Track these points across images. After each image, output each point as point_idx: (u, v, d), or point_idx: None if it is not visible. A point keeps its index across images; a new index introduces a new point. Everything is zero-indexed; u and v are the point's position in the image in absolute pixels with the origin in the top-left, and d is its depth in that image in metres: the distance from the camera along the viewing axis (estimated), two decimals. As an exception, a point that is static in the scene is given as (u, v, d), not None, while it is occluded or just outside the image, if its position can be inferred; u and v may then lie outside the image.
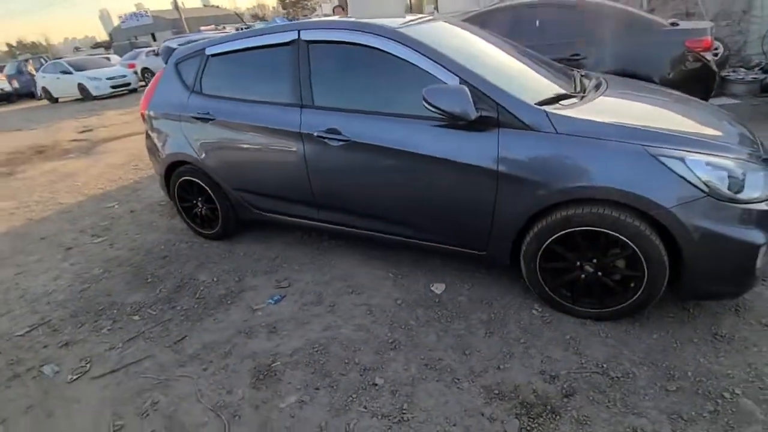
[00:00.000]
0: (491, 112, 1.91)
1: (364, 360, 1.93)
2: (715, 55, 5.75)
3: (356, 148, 2.24)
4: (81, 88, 13.36)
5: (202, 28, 25.81)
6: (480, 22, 4.80)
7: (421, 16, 2.66)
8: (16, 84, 17.07)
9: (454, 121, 1.92)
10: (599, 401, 1.62)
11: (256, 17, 51.12)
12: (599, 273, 1.92)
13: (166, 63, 3.00)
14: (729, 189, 1.64)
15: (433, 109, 1.90)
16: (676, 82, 3.99)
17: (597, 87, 2.32)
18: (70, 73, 13.56)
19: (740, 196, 1.65)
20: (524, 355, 1.87)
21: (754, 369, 1.69)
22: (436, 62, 2.01)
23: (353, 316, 2.24)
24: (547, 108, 1.88)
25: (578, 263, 1.93)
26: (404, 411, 1.66)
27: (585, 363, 1.79)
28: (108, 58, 16.37)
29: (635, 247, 1.77)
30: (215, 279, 2.73)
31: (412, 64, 2.06)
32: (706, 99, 4.16)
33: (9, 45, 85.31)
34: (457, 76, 1.97)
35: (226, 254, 3.03)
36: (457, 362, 1.87)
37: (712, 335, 1.87)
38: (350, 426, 1.62)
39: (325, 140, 2.29)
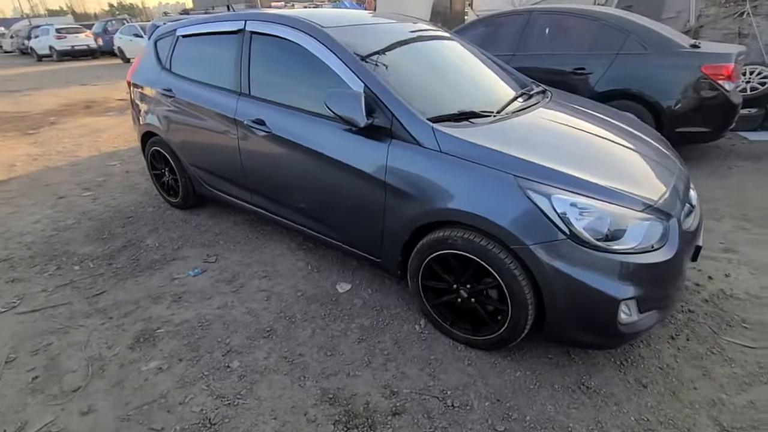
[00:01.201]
0: (385, 122, 1.89)
1: (235, 342, 2.03)
2: (747, 83, 5.12)
3: (276, 141, 2.30)
4: (147, 51, 14.40)
5: (273, 3, 26.65)
6: (492, 24, 4.64)
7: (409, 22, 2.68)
8: (100, 42, 18.69)
9: (349, 126, 1.93)
10: (422, 425, 1.61)
11: (329, -3, 51.80)
12: (472, 300, 1.87)
13: (149, 39, 3.22)
14: (595, 235, 1.53)
15: (331, 112, 1.92)
16: (685, 112, 3.67)
17: (528, 106, 2.22)
18: (141, 36, 14.63)
19: (607, 244, 1.54)
20: (381, 366, 1.88)
21: (599, 428, 1.59)
22: (346, 65, 2.02)
23: (252, 299, 2.34)
24: (437, 125, 1.83)
25: (455, 286, 1.89)
26: (239, 396, 1.74)
27: (432, 386, 1.77)
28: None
29: (500, 280, 1.70)
30: (158, 244, 2.94)
31: (326, 65, 2.08)
32: (719, 134, 3.79)
33: (110, 5, 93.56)
34: (362, 82, 1.96)
35: (180, 223, 3.24)
36: (315, 361, 1.91)
37: (578, 384, 1.77)
38: (186, 399, 1.73)
39: (253, 129, 2.38)
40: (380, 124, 1.89)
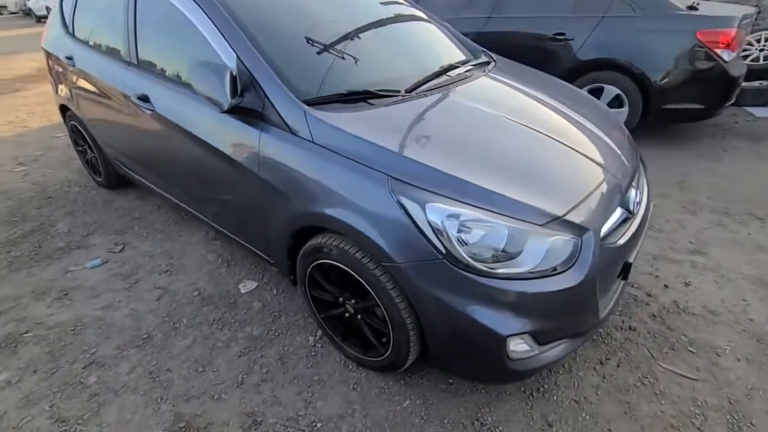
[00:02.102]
0: (257, 103, 1.55)
1: (102, 352, 1.81)
2: (761, 51, 4.52)
3: (161, 121, 1.98)
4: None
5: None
6: None
7: None
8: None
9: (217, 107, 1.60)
10: (274, 467, 1.38)
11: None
12: (359, 317, 1.59)
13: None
14: (480, 255, 1.22)
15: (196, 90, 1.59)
16: (675, 86, 3.20)
17: (452, 83, 1.84)
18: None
19: (493, 267, 1.22)
20: (254, 388, 1.64)
21: (480, 478, 1.34)
22: (220, 32, 1.65)
23: (141, 299, 2.10)
24: (312, 108, 1.49)
25: (341, 300, 1.61)
26: (80, 421, 1.53)
27: (303, 416, 1.53)
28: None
29: (377, 299, 1.41)
30: (68, 230, 2.71)
31: (199, 30, 1.72)
32: (713, 112, 3.33)
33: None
34: (235, 53, 1.61)
35: (101, 205, 2.99)
36: (181, 378, 1.68)
37: (473, 419, 1.50)
38: (22, 422, 1.53)
39: (140, 107, 2.06)
40: (250, 105, 1.55)
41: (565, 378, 1.64)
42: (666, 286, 2.07)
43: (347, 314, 1.62)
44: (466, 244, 1.21)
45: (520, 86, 2.00)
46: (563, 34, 3.46)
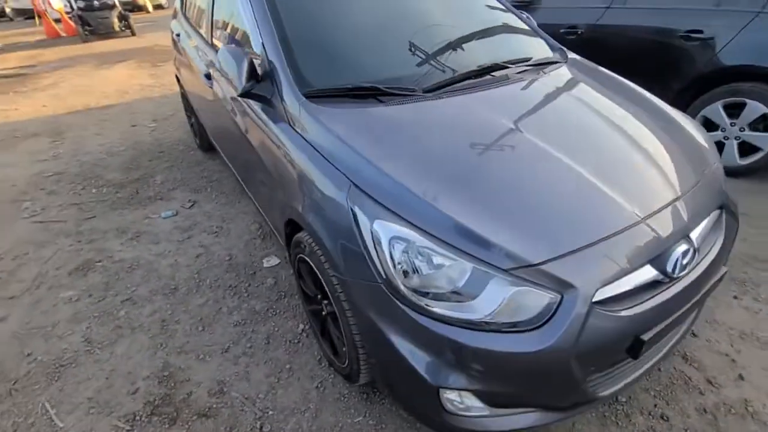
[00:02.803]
0: (269, 91, 1.58)
1: (139, 292, 2.11)
2: None
3: (215, 96, 2.18)
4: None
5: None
6: None
7: None
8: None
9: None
10: (216, 438, 1.46)
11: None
12: (329, 318, 1.56)
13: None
14: (424, 290, 1.07)
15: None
16: None
17: (499, 80, 1.62)
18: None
19: (435, 306, 1.06)
20: (233, 359, 1.74)
21: None
22: (256, 21, 1.70)
23: (185, 253, 2.39)
24: (311, 101, 1.45)
25: (319, 296, 1.60)
26: (100, 346, 1.82)
27: (262, 399, 1.58)
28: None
29: (333, 306, 1.36)
30: (161, 182, 3.20)
31: (244, 19, 1.80)
32: None
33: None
34: (261, 38, 1.65)
35: (194, 165, 3.45)
36: (184, 333, 1.87)
37: (418, 459, 1.38)
38: (65, 334, 1.88)
39: (205, 84, 2.29)
40: (262, 93, 1.59)
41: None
42: (741, 376, 1.57)
43: (323, 312, 1.60)
44: (416, 273, 1.07)
45: (573, 95, 1.66)
46: (700, 31, 2.74)
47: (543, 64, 1.84)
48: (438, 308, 1.06)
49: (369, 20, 1.78)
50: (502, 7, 2.15)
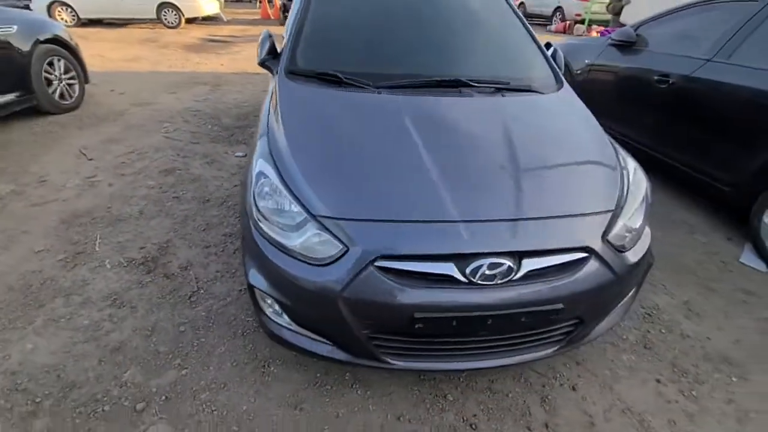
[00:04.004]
0: (276, 66, 2.10)
1: (185, 196, 2.90)
2: None
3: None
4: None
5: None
6: (697, 13, 3.21)
7: None
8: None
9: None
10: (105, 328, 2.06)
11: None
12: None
13: None
14: (265, 215, 1.45)
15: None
16: None
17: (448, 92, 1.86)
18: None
19: (268, 227, 1.43)
20: (207, 252, 2.34)
21: None
22: (292, 20, 2.27)
23: (229, 181, 3.12)
24: (286, 77, 1.93)
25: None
26: (138, 218, 2.63)
27: (204, 279, 2.13)
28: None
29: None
30: (251, 133, 4.05)
31: (290, 18, 2.36)
32: None
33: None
34: (289, 32, 2.19)
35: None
36: (190, 227, 2.56)
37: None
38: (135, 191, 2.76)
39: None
40: (270, 64, 2.13)
41: None
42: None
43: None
44: (264, 200, 1.46)
45: (497, 119, 1.79)
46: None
47: (508, 89, 1.95)
48: (266, 227, 1.42)
49: (369, 26, 2.18)
50: (520, 25, 2.29)
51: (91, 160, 3.36)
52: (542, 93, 1.99)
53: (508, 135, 1.70)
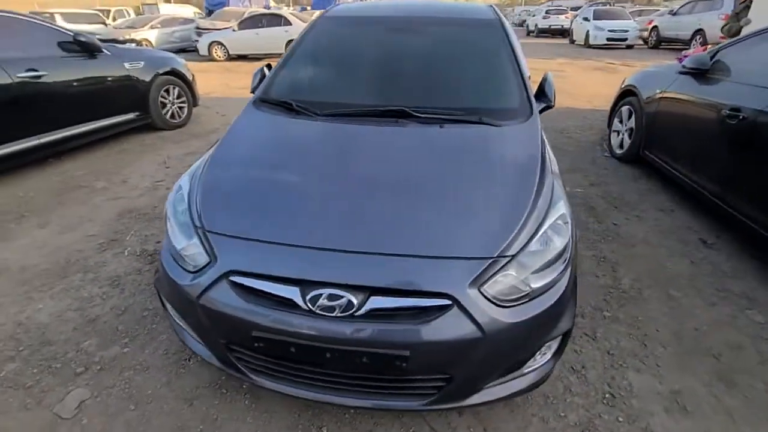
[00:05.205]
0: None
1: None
2: None
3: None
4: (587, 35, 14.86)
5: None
6: None
7: None
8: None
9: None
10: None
11: None
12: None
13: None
14: (169, 213, 1.63)
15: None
16: None
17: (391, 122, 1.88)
18: (588, 20, 15.02)
19: (168, 224, 1.62)
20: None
21: None
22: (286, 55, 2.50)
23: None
24: (253, 104, 2.15)
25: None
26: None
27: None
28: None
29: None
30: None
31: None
32: None
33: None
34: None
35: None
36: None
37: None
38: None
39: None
40: (257, 92, 2.38)
41: None
42: None
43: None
44: (172, 207, 1.66)
45: (426, 151, 1.74)
46: None
47: (453, 121, 1.85)
48: (169, 228, 1.60)
49: (345, 61, 2.31)
50: (506, 55, 2.16)
51: (167, 168, 4.09)
52: (495, 125, 1.84)
53: (421, 168, 1.63)
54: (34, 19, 4.01)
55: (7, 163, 3.59)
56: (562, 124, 5.57)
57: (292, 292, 1.30)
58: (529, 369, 1.42)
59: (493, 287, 1.28)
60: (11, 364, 1.86)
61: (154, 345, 1.96)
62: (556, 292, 1.35)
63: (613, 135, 4.36)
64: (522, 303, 1.30)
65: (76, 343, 1.97)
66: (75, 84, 4.05)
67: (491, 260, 1.29)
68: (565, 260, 1.39)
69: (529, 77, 2.20)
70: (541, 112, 2.11)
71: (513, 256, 1.31)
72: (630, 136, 3.99)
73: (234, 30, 12.68)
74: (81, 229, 2.97)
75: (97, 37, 4.92)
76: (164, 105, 5.16)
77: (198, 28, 14.15)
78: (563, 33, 20.45)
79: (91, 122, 4.24)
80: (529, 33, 22.61)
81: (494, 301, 1.27)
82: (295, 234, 1.39)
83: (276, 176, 1.66)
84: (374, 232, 1.38)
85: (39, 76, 3.71)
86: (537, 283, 1.32)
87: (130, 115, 4.73)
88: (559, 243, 1.40)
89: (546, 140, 1.95)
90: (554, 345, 1.45)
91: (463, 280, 1.26)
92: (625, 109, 4.11)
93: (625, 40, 14.02)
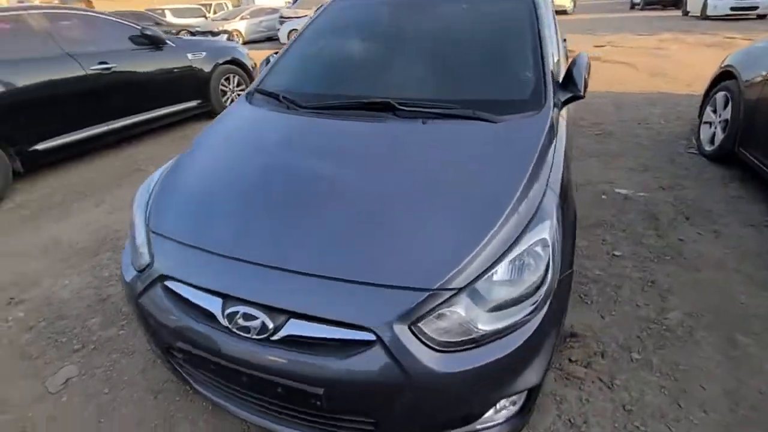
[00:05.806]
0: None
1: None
2: None
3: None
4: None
5: None
6: None
7: None
8: None
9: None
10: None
11: None
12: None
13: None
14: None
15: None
16: None
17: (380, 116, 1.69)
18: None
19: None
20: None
21: None
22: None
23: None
24: (252, 96, 2.07)
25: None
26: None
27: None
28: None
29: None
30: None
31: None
32: None
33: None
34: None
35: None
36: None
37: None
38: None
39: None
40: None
41: None
42: None
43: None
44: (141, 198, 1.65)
45: (408, 151, 1.48)
46: None
47: (439, 116, 1.59)
48: (135, 221, 1.59)
49: (345, 50, 2.15)
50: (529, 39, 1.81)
51: (215, 154, 4.29)
52: (492, 120, 1.53)
53: (385, 176, 1.42)
54: (109, 16, 4.42)
55: (81, 146, 4.03)
56: (644, 112, 4.76)
57: (215, 306, 1.20)
58: (483, 426, 1.17)
59: (429, 325, 1.05)
60: (27, 334, 2.06)
61: (145, 331, 2.03)
62: (517, 338, 1.08)
63: (704, 127, 3.59)
64: (466, 349, 1.05)
65: (83, 320, 2.12)
66: (141, 74, 4.40)
67: (429, 293, 1.06)
68: (537, 300, 1.10)
69: (558, 62, 1.83)
70: (567, 102, 1.75)
71: (460, 289, 1.07)
72: (724, 129, 3.24)
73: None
74: (125, 211, 3.22)
75: (195, 29, 5.30)
76: (225, 93, 5.42)
77: (281, 17, 14.74)
78: (676, 3, 17.65)
79: (154, 110, 4.59)
80: (633, 6, 19.85)
81: (428, 342, 1.04)
82: (227, 243, 1.28)
83: (230, 178, 1.56)
84: (307, 248, 1.21)
85: (109, 68, 4.08)
86: (491, 326, 1.07)
87: (192, 103, 5.05)
88: (530, 275, 1.11)
89: (565, 137, 1.60)
90: (520, 401, 1.18)
91: (390, 313, 1.05)
92: (720, 95, 3.34)
93: (755, 8, 11.58)
